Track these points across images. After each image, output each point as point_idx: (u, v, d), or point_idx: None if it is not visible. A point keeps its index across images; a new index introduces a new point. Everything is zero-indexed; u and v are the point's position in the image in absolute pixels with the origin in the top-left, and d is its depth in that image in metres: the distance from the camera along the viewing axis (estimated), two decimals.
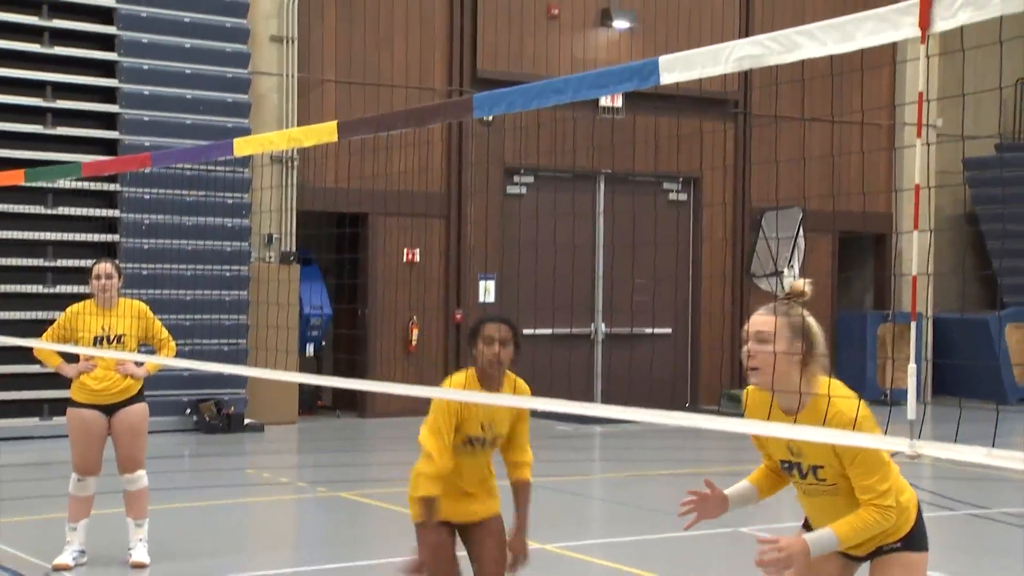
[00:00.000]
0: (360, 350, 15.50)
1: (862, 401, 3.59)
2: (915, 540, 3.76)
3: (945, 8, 2.53)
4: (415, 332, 15.52)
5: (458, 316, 15.79)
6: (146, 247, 13.60)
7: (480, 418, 4.75)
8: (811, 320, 3.71)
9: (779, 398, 3.65)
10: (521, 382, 4.88)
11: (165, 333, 7.16)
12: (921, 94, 2.79)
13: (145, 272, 13.47)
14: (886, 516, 3.58)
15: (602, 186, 16.78)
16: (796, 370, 3.60)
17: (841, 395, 3.60)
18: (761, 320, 3.66)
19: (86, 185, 13.14)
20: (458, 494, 4.83)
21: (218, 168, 13.69)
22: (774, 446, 3.79)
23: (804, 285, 3.72)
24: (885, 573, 3.74)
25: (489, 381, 4.77)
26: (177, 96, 13.88)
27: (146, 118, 13.72)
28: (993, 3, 2.42)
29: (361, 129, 4.57)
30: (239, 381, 13.95)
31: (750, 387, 3.78)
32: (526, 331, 16.35)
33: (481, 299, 15.96)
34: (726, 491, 3.86)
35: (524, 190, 16.32)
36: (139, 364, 6.98)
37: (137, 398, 7.09)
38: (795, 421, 3.60)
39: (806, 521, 3.88)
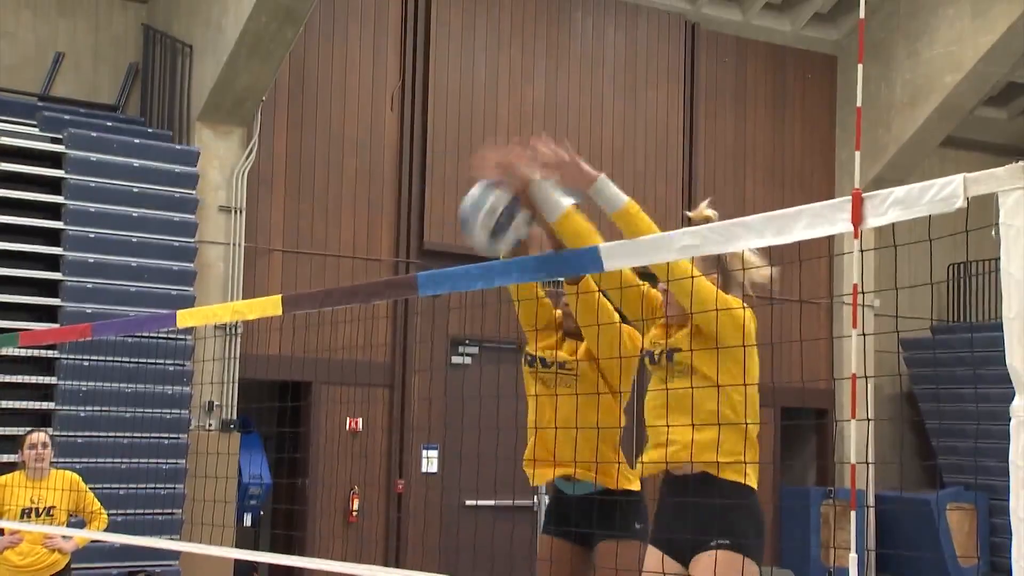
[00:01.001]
0: (298, 523, 15.18)
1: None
2: (746, 540, 3.46)
3: (876, 207, 2.62)
4: (356, 502, 15.27)
5: (399, 486, 15.58)
6: (82, 415, 13.36)
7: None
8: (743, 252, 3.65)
9: (684, 318, 3.61)
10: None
11: (97, 505, 6.99)
12: (856, 286, 2.87)
13: (80, 440, 13.20)
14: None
15: None
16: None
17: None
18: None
19: (23, 352, 12.97)
20: None
21: (160, 336, 13.60)
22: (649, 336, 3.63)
23: (706, 210, 3.68)
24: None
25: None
26: (123, 264, 13.87)
27: (89, 285, 13.66)
28: (921, 204, 2.51)
29: (305, 304, 4.60)
30: (172, 552, 13.55)
31: None
32: (468, 502, 16.16)
33: (424, 469, 15.78)
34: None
35: (469, 360, 16.33)
36: (67, 538, 6.78)
37: (64, 573, 6.86)
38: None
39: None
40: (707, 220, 3.69)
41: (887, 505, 17.81)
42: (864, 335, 15.94)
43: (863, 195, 2.61)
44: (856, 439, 2.91)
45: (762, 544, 3.53)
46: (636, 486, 4.65)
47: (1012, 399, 2.31)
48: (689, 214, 3.74)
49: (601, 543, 4.62)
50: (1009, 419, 2.27)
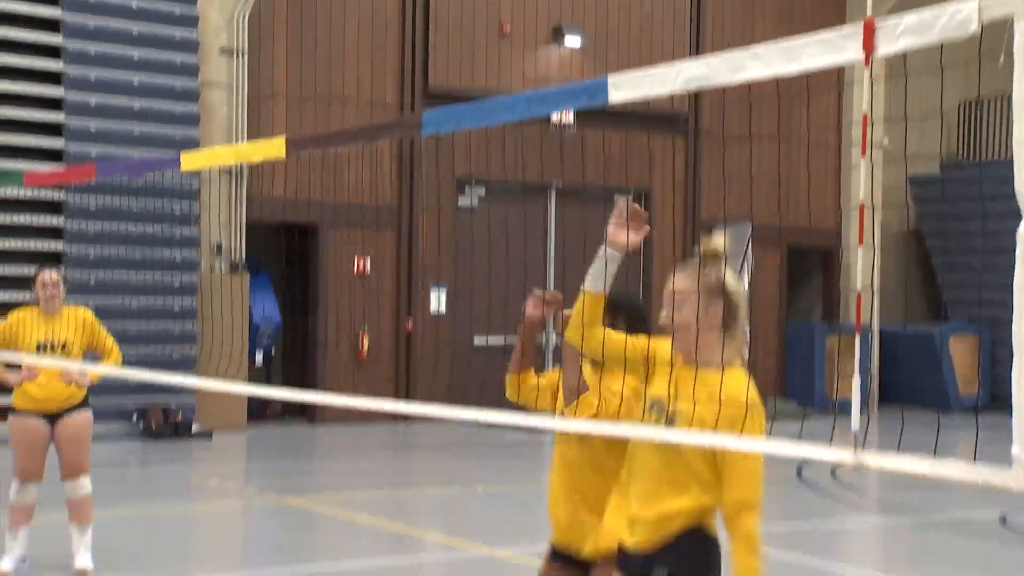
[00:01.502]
0: (310, 360, 15.44)
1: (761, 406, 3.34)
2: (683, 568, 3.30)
3: (888, 34, 2.59)
4: (365, 341, 15.49)
5: (409, 325, 15.78)
6: (92, 255, 13.47)
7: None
8: (731, 281, 3.46)
9: (687, 357, 3.42)
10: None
11: (110, 341, 7.11)
12: (865, 116, 2.86)
13: (92, 281, 13.35)
14: (750, 550, 3.17)
15: (553, 199, 16.84)
16: (715, 334, 3.39)
17: (740, 386, 3.32)
18: (678, 281, 3.47)
19: (30, 194, 13.00)
20: None
21: (166, 178, 13.60)
22: (656, 383, 3.48)
23: (716, 244, 3.48)
24: None
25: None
26: (125, 106, 13.77)
27: (92, 128, 13.60)
28: (934, 30, 2.48)
29: (310, 145, 4.59)
30: (187, 388, 13.84)
31: (659, 342, 3.55)
32: (477, 341, 16.39)
33: (433, 308, 15.96)
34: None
35: (475, 202, 16.34)
36: (83, 373, 6.93)
37: (81, 406, 7.03)
38: (694, 377, 3.34)
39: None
40: (716, 256, 3.49)
41: (891, 339, 18.04)
42: (872, 165, 15.87)
43: (875, 21, 2.57)
44: (863, 268, 2.94)
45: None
46: None
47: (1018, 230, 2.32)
48: (700, 248, 3.50)
49: None
50: (1015, 249, 2.29)
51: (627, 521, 3.45)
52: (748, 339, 3.53)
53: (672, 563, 3.30)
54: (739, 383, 3.34)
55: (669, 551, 3.31)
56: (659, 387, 3.46)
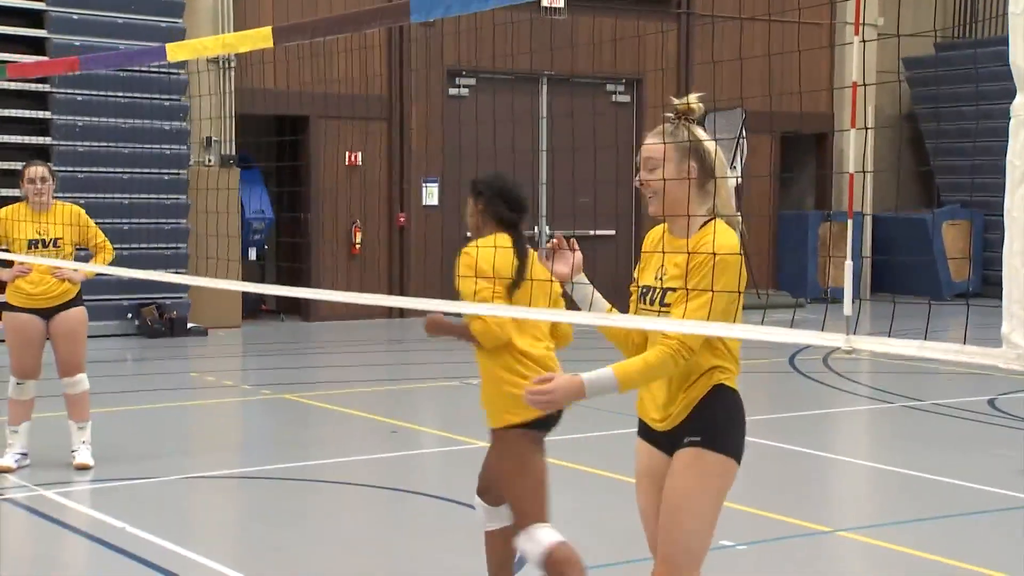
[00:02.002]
0: (303, 256, 15.43)
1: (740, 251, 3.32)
2: (720, 437, 3.29)
3: None
4: (358, 235, 15.47)
5: (401, 219, 15.74)
6: (80, 150, 13.36)
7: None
8: (703, 138, 3.42)
9: (672, 226, 3.41)
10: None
11: (102, 237, 7.07)
12: None
13: (81, 176, 13.25)
14: (676, 360, 3.16)
15: (545, 88, 16.67)
16: (694, 197, 3.36)
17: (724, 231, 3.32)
18: (649, 146, 3.41)
19: (15, 85, 12.82)
20: None
21: (153, 70, 13.41)
22: (648, 272, 3.46)
23: (690, 101, 3.41)
24: (679, 472, 3.28)
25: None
26: None
27: (75, 16, 13.36)
28: None
29: (296, 35, 4.48)
30: (181, 285, 13.86)
31: (655, 228, 3.54)
32: (468, 233, 16.30)
33: (424, 202, 15.90)
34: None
35: (466, 92, 16.18)
36: (76, 269, 6.90)
37: (75, 302, 7.02)
38: (687, 245, 3.34)
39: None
40: (690, 112, 3.40)
41: (884, 225, 18.04)
42: (865, 42, 15.62)
43: None
44: (855, 151, 2.90)
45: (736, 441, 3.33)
46: None
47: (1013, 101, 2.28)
48: (674, 101, 3.41)
49: None
50: (1009, 121, 2.25)
51: (649, 404, 3.42)
52: (738, 185, 3.47)
53: (699, 429, 3.28)
54: (717, 234, 3.28)
55: (694, 419, 3.29)
56: (647, 277, 3.45)
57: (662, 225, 3.51)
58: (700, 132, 3.43)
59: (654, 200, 3.42)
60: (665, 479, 3.34)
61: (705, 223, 3.36)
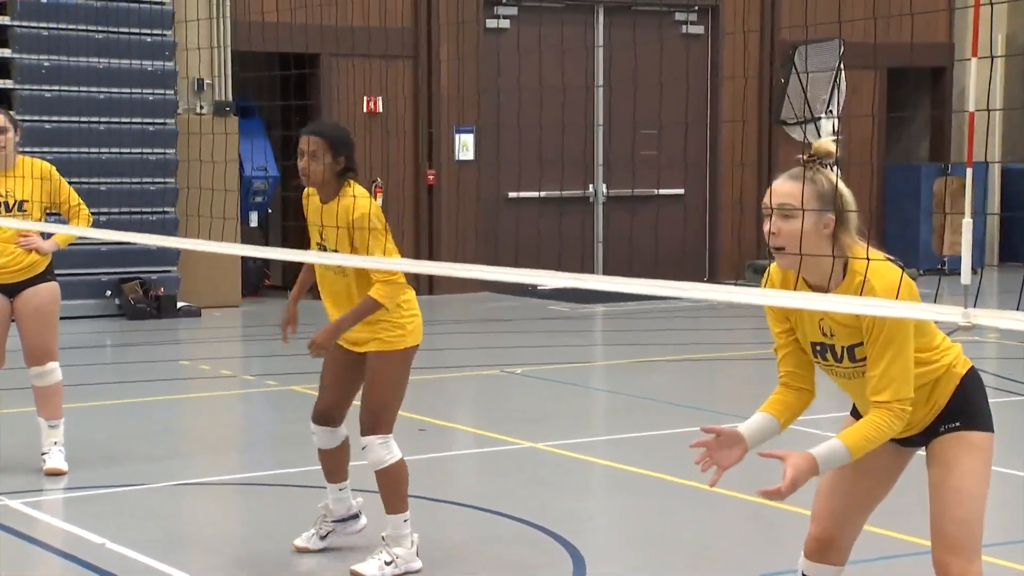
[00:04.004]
0: None
1: (905, 272, 3.67)
2: (976, 416, 3.84)
3: None
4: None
5: (431, 177, 15.75)
6: (48, 95, 13.46)
7: (319, 218, 5.56)
8: (841, 184, 3.73)
9: (807, 274, 3.73)
10: (358, 202, 5.46)
11: (76, 199, 7.12)
12: None
13: (48, 126, 13.35)
14: (901, 418, 3.67)
15: (600, 17, 16.58)
16: (827, 245, 3.67)
17: (879, 260, 3.67)
18: (784, 190, 3.69)
19: None
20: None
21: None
22: (805, 327, 3.85)
23: (831, 144, 3.72)
24: (945, 456, 3.83)
25: (320, 194, 5.55)
26: None
27: None
28: None
29: None
30: (169, 257, 13.95)
31: (774, 266, 3.85)
32: (511, 194, 16.38)
33: (457, 156, 15.91)
34: (740, 428, 3.87)
35: (507, 24, 16.14)
36: (46, 236, 6.95)
37: (44, 276, 7.08)
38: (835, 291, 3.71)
39: (854, 408, 4.01)
40: (829, 156, 3.72)
41: (1017, 178, 17.81)
42: None
43: None
44: (977, 87, 2.86)
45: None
46: None
47: None
48: (811, 144, 3.69)
49: None
50: None
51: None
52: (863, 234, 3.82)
53: (953, 417, 3.85)
54: (883, 272, 3.68)
55: (943, 414, 3.85)
56: (811, 332, 3.84)
57: (778, 269, 3.84)
58: (840, 181, 3.76)
59: (785, 253, 3.70)
60: (891, 468, 3.97)
61: (846, 264, 3.72)
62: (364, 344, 5.57)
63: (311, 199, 5.60)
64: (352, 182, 5.50)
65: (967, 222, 2.82)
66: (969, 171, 2.87)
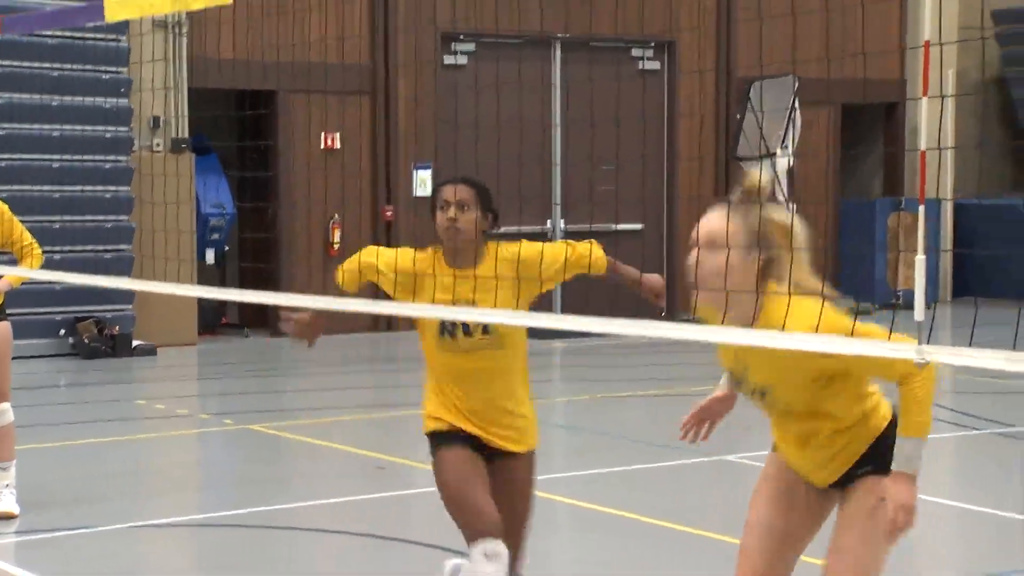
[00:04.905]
0: (271, 256, 15.44)
1: (828, 302, 3.55)
2: (887, 459, 3.71)
3: None
4: (337, 233, 15.48)
5: (388, 213, 15.74)
6: (1, 132, 13.38)
7: (451, 293, 4.57)
8: (781, 219, 3.65)
9: (730, 311, 3.62)
10: (508, 246, 4.72)
11: (29, 238, 7.06)
12: None
13: (1, 163, 13.27)
14: (929, 376, 3.53)
15: (558, 53, 16.67)
16: (751, 283, 3.60)
17: (803, 297, 3.58)
18: (714, 222, 3.64)
19: None
20: (461, 413, 4.70)
21: (88, 36, 13.42)
22: (725, 358, 3.82)
23: (761, 179, 3.66)
24: (860, 505, 3.72)
25: (457, 257, 4.64)
26: None
27: None
28: None
29: None
30: (125, 295, 13.85)
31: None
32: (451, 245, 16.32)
33: (415, 192, 15.91)
34: (718, 391, 3.86)
35: (464, 60, 16.18)
36: None
37: None
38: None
39: (774, 445, 3.91)
40: (760, 192, 3.67)
41: (967, 214, 17.99)
42: None
43: None
44: (928, 124, 2.89)
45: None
46: None
47: None
48: (743, 180, 3.67)
49: None
50: None
51: (797, 462, 3.82)
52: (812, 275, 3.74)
53: (870, 460, 3.74)
54: (800, 316, 3.53)
55: (861, 459, 3.75)
56: (725, 358, 3.80)
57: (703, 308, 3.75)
58: (775, 212, 3.67)
59: (706, 291, 3.63)
60: (816, 511, 3.82)
61: (766, 305, 3.61)
62: None
63: (433, 272, 4.63)
64: (497, 243, 4.74)
65: (920, 259, 2.84)
66: (922, 208, 2.89)
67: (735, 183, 3.69)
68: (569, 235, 16.89)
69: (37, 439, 8.89)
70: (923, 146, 2.95)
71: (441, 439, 4.69)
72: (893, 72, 18.23)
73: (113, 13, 5.01)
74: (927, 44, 2.79)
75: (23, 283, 7.40)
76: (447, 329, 4.55)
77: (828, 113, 17.84)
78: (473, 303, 4.53)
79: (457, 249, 4.61)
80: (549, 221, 16.76)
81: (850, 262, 17.92)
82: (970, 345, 2.74)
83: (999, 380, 11.17)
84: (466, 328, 4.54)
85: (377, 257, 4.72)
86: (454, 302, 4.51)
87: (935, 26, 2.85)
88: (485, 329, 4.52)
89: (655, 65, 17.18)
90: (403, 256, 4.65)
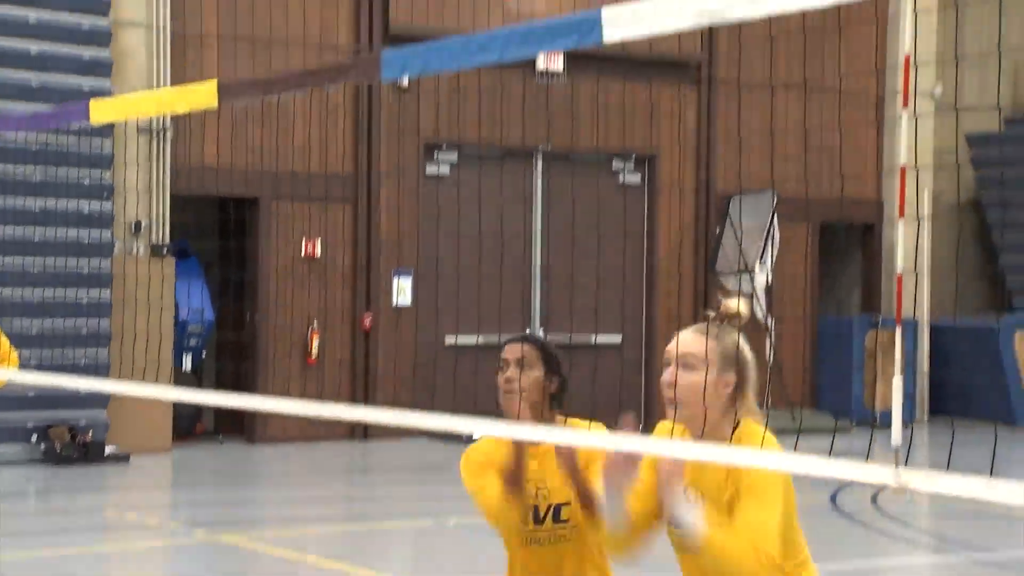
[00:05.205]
0: (248, 362, 15.38)
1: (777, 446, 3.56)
2: None
3: None
4: (315, 340, 15.44)
5: (367, 321, 15.73)
6: None
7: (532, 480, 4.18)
8: (746, 348, 3.68)
9: (696, 434, 3.61)
10: (577, 422, 4.33)
11: (6, 342, 7.05)
12: (908, 58, 2.84)
13: None
14: (759, 558, 3.42)
15: (539, 166, 16.80)
16: (721, 406, 3.60)
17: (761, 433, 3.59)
18: (690, 342, 3.64)
19: None
20: None
21: (72, 139, 13.50)
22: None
23: (740, 305, 3.68)
24: None
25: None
26: (20, 51, 13.68)
27: None
28: None
29: (247, 91, 4.53)
30: (98, 401, 13.76)
31: (664, 423, 3.72)
32: (447, 339, 16.39)
33: (394, 301, 15.92)
34: None
35: (447, 170, 16.30)
36: None
37: None
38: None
39: None
40: (738, 316, 3.69)
41: (944, 335, 18.05)
42: (916, 117, 15.69)
43: None
44: (905, 248, 2.91)
45: None
46: None
47: None
48: (721, 302, 3.71)
49: None
50: None
51: None
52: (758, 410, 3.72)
53: None
54: (754, 438, 3.56)
55: None
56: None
57: (669, 426, 3.69)
58: (746, 345, 3.70)
59: (682, 409, 3.59)
60: None
61: (733, 431, 3.60)
62: None
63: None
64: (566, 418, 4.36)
65: (897, 381, 2.84)
66: (899, 331, 2.90)
67: (712, 305, 3.70)
68: None
69: (6, 549, 8.76)
70: (900, 269, 2.97)
71: None
72: (869, 192, 18.42)
73: (98, 114, 5.04)
74: (903, 170, 2.82)
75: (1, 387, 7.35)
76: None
77: (806, 230, 17.99)
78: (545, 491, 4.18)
79: (513, 413, 4.20)
80: (529, 331, 16.76)
81: (828, 379, 17.95)
82: (948, 467, 2.73)
83: (976, 504, 11.13)
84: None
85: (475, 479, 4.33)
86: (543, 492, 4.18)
87: (911, 150, 2.89)
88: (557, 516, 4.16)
89: (635, 179, 17.33)
90: (484, 451, 4.32)
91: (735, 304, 3.69)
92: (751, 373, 3.68)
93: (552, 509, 4.17)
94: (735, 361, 3.63)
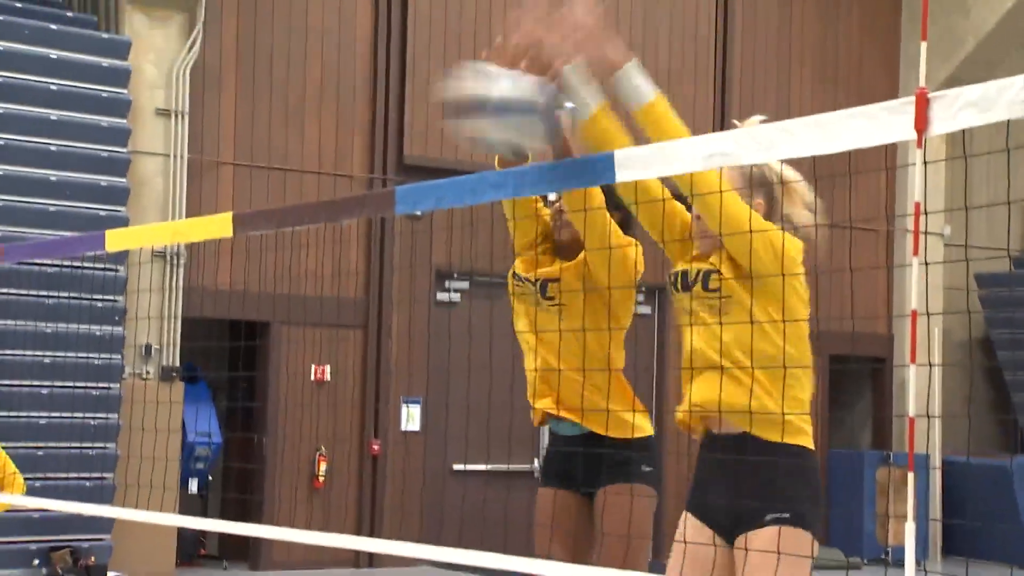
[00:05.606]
0: (255, 487, 15.29)
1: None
2: (806, 511, 3.62)
3: (944, 109, 2.61)
4: (323, 466, 15.38)
5: (375, 447, 15.68)
6: None
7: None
8: (779, 172, 3.81)
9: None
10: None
11: (12, 467, 7.04)
12: (917, 205, 2.88)
13: None
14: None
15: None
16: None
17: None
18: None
19: None
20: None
21: (86, 265, 13.58)
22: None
23: (757, 122, 3.66)
24: (760, 554, 3.58)
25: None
26: (39, 178, 13.83)
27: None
28: (998, 106, 2.50)
29: (262, 223, 4.60)
30: (102, 524, 13.65)
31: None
32: (456, 467, 16.30)
33: (403, 427, 15.89)
34: None
35: (458, 297, 16.37)
36: None
37: None
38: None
39: (691, 502, 3.87)
40: None
41: (955, 473, 17.92)
42: (927, 264, 15.74)
43: (929, 95, 2.59)
44: (916, 388, 2.93)
45: (819, 515, 3.66)
46: (644, 431, 4.94)
47: None
48: (737, 123, 3.72)
49: (599, 490, 4.86)
50: None
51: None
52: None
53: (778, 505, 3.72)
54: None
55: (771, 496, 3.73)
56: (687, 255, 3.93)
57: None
58: (776, 165, 3.83)
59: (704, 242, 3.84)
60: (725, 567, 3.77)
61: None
62: None
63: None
64: None
65: (910, 525, 2.83)
66: (911, 475, 2.90)
67: None
68: None
69: None
70: (911, 412, 2.98)
71: None
72: (880, 327, 18.43)
73: (114, 242, 5.11)
74: (914, 314, 2.85)
75: (3, 511, 7.32)
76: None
77: (819, 363, 17.93)
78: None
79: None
80: (536, 461, 16.68)
81: (839, 513, 17.77)
82: None
83: None
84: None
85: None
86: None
87: (922, 296, 2.92)
88: None
89: (647, 310, 17.36)
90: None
91: (753, 120, 3.82)
92: (778, 192, 3.79)
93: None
94: (760, 186, 3.79)
